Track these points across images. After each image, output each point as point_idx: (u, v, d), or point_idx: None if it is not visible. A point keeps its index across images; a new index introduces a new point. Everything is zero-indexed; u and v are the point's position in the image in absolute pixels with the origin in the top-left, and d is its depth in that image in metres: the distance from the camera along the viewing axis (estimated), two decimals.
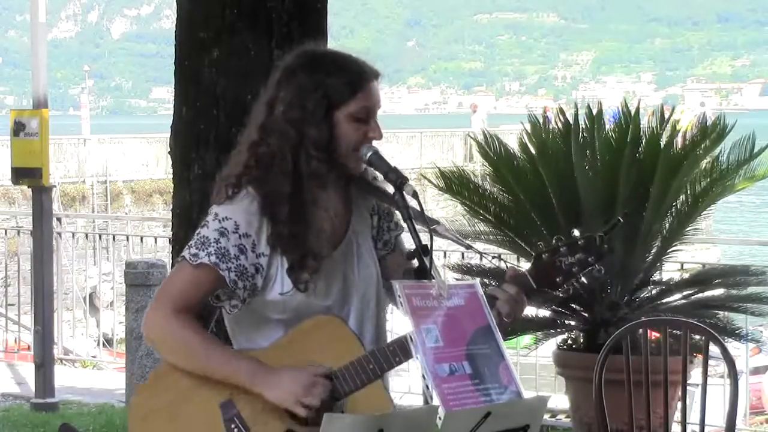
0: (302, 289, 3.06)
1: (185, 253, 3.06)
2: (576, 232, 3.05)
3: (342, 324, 3.09)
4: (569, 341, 6.57)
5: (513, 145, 6.92)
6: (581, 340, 6.51)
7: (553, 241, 3.12)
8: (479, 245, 7.40)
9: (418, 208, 3.07)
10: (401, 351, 3.00)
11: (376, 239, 3.25)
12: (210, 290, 3.07)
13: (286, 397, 2.97)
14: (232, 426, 3.00)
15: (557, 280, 3.11)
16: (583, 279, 3.13)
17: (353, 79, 3.07)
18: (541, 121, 6.73)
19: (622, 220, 3.28)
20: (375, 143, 3.11)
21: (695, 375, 5.65)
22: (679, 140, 6.69)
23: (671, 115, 6.69)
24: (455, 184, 6.73)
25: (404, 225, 3.09)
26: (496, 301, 3.06)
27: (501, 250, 7.26)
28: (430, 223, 3.05)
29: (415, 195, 3.01)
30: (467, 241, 3.31)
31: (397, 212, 3.19)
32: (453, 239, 3.24)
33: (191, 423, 3.04)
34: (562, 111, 6.78)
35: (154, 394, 3.10)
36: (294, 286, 3.06)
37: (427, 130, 37.48)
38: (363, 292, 3.16)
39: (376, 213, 3.25)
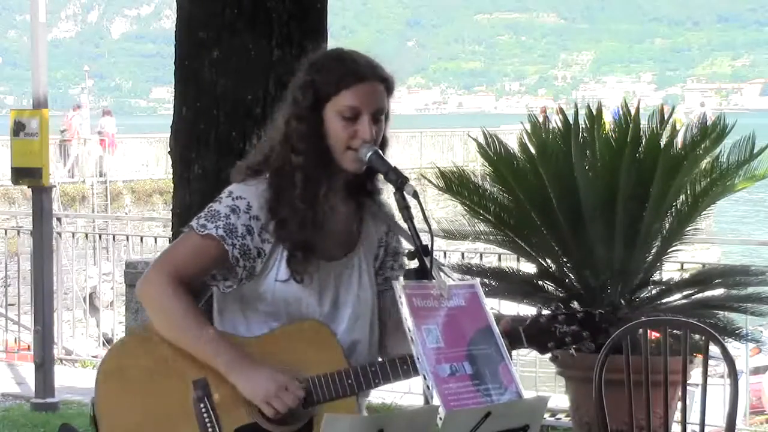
0: (298, 280, 3.08)
1: (193, 222, 3.09)
2: (576, 305, 3.10)
3: (330, 333, 3.10)
4: None
5: (513, 145, 6.92)
6: None
7: (553, 307, 3.16)
8: (479, 245, 7.42)
9: (419, 208, 3.07)
10: (382, 374, 3.04)
11: (378, 272, 3.27)
12: (211, 263, 3.08)
13: (256, 394, 2.98)
14: (201, 406, 2.99)
15: (549, 344, 3.13)
16: (573, 350, 3.15)
17: (341, 76, 3.08)
18: (540, 120, 6.73)
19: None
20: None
21: (695, 375, 5.65)
22: (678, 140, 6.68)
23: (671, 115, 6.69)
24: (455, 184, 6.73)
25: (405, 225, 3.09)
26: None
27: (501, 250, 7.26)
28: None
29: (415, 195, 3.01)
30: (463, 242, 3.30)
31: (404, 253, 3.21)
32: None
33: (161, 394, 3.03)
34: (562, 111, 6.78)
35: (130, 354, 3.08)
36: (291, 276, 3.07)
37: (427, 130, 37.52)
38: (358, 314, 3.17)
39: (383, 246, 3.27)
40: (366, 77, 3.09)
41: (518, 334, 3.11)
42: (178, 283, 3.04)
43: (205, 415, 2.99)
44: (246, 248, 3.06)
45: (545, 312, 3.17)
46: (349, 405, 3.04)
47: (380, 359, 3.11)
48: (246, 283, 3.11)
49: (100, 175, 29.44)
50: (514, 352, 3.08)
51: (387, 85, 3.14)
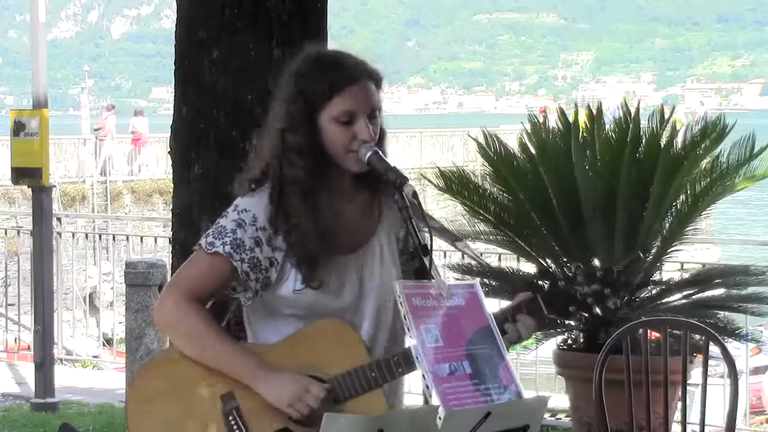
0: (314, 286, 3.07)
1: (201, 241, 3.10)
2: (596, 262, 3.07)
3: (351, 329, 3.09)
4: (569, 341, 6.57)
5: (513, 145, 6.91)
6: (581, 340, 6.50)
7: (573, 269, 3.15)
8: (479, 245, 7.42)
9: (419, 208, 3.06)
10: (405, 362, 3.02)
11: (402, 252, 3.24)
12: (222, 280, 3.09)
13: (281, 399, 2.99)
14: (230, 419, 3.02)
15: (570, 309, 3.14)
16: (597, 309, 3.13)
17: (331, 82, 3.06)
18: (540, 120, 6.73)
19: (642, 255, 3.30)
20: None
21: (695, 375, 5.65)
22: (678, 140, 6.68)
23: (671, 115, 6.68)
24: (455, 184, 6.73)
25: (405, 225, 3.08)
26: (505, 327, 3.06)
27: (501, 250, 7.26)
28: (430, 223, 3.05)
29: (414, 195, 3.01)
30: (464, 243, 3.30)
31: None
32: (448, 241, 3.25)
33: (191, 411, 3.05)
34: (562, 111, 6.78)
35: (157, 377, 3.12)
36: (306, 284, 3.07)
37: (427, 130, 37.54)
38: (382, 299, 3.16)
39: (405, 227, 3.23)
40: (355, 78, 3.08)
41: (537, 303, 3.10)
42: (191, 300, 3.07)
43: (235, 427, 3.01)
44: (256, 261, 3.06)
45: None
46: (375, 399, 3.04)
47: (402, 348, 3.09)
48: (263, 293, 3.10)
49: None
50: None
51: (375, 79, 3.12)
